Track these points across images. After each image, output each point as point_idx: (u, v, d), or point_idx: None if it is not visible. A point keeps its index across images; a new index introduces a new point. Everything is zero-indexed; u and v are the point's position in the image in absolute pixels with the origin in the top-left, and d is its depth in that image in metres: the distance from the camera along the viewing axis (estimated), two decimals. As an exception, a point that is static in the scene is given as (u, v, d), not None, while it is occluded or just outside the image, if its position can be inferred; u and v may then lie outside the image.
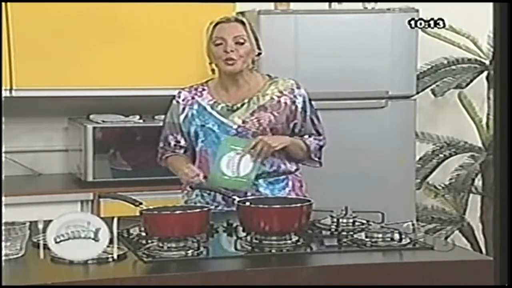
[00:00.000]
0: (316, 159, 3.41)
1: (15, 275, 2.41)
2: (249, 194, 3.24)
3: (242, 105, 3.33)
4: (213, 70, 3.37)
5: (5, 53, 4.12)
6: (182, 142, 3.40)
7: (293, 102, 3.35)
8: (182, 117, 3.38)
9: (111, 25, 4.30)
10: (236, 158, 3.23)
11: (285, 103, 3.34)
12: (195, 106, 3.37)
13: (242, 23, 3.34)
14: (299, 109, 3.36)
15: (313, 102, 3.42)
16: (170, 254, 2.53)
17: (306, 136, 3.38)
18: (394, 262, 2.58)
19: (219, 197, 3.27)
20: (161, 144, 3.45)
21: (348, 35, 4.42)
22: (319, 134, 3.41)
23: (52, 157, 4.63)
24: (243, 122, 3.31)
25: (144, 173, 4.30)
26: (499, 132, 1.70)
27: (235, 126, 3.30)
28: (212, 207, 3.23)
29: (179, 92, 3.43)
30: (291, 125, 3.36)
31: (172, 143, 3.41)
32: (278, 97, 3.35)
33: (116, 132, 4.34)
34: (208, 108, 3.35)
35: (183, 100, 3.39)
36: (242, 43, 3.30)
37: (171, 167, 3.42)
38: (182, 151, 3.41)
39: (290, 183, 3.36)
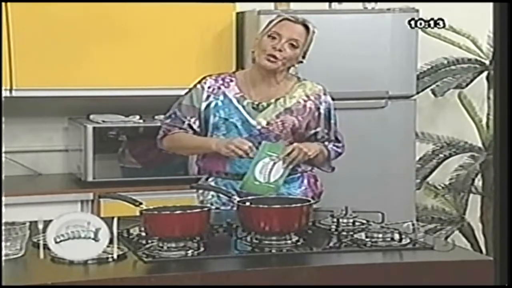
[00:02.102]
0: (331, 165, 3.40)
1: (15, 275, 2.41)
2: None
3: (269, 105, 3.28)
4: (253, 60, 3.29)
5: (5, 53, 4.13)
6: (196, 127, 3.29)
7: (318, 109, 3.32)
8: (204, 104, 3.28)
9: (111, 25, 4.30)
10: (269, 165, 3.18)
11: (310, 108, 3.31)
12: (221, 97, 3.28)
13: (307, 28, 3.28)
14: (322, 116, 3.33)
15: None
16: (170, 254, 2.53)
17: (327, 143, 3.35)
18: (394, 262, 2.58)
19: (236, 197, 3.14)
20: (167, 121, 3.32)
21: (348, 35, 4.42)
22: (339, 142, 3.39)
23: (52, 157, 4.63)
24: (268, 123, 3.25)
25: (146, 173, 4.30)
26: (499, 132, 1.70)
27: (258, 127, 3.25)
28: (229, 207, 3.21)
29: (204, 78, 3.33)
30: (312, 131, 3.32)
31: (186, 123, 3.29)
32: (304, 101, 3.31)
33: (117, 132, 4.34)
34: (234, 102, 3.27)
35: (208, 87, 3.30)
36: (295, 47, 3.24)
37: (179, 143, 3.30)
38: (191, 133, 3.30)
39: (305, 181, 3.34)
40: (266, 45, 3.23)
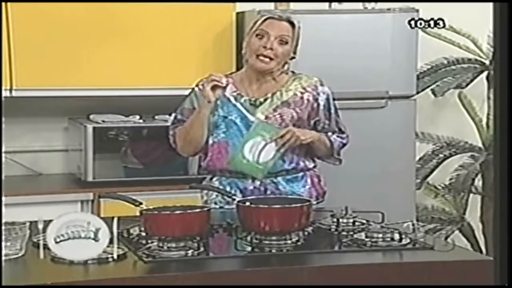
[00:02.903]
0: (337, 156, 3.40)
1: (15, 275, 2.41)
2: (269, 192, 3.23)
3: (265, 99, 3.30)
4: (246, 60, 3.32)
5: (5, 53, 4.13)
6: None
7: (316, 100, 3.33)
8: None
9: (111, 25, 4.30)
10: (260, 144, 3.20)
11: (308, 99, 3.32)
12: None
13: (292, 24, 3.29)
14: (321, 107, 3.34)
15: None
16: (170, 254, 2.53)
17: (330, 134, 3.36)
18: (394, 262, 2.58)
19: (239, 196, 3.14)
20: (172, 126, 3.36)
21: (348, 35, 4.42)
22: (342, 132, 3.39)
23: (52, 157, 4.63)
24: (266, 117, 3.27)
25: (146, 173, 4.30)
26: (499, 132, 1.70)
27: (257, 121, 3.26)
28: (233, 206, 3.21)
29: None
30: (312, 122, 3.33)
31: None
32: (301, 93, 3.32)
33: (117, 132, 4.34)
34: (232, 100, 3.29)
35: None
36: (284, 43, 3.26)
37: (183, 131, 3.29)
38: None
39: (309, 180, 3.34)
40: (255, 45, 3.25)
